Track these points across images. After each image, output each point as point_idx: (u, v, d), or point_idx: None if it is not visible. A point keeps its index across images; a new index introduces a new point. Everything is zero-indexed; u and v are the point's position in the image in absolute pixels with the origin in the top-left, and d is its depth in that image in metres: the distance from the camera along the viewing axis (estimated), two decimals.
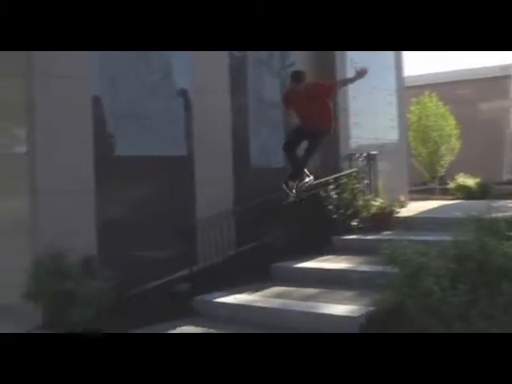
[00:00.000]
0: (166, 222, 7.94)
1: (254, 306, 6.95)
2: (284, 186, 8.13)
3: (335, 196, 9.36)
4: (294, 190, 8.19)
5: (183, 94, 8.45)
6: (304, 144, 8.29)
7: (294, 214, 8.63)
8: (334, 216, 9.22)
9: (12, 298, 6.84)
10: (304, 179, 8.37)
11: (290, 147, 8.34)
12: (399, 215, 9.81)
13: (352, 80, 8.63)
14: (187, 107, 8.53)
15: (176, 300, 7.35)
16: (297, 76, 8.07)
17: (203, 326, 6.69)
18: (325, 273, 7.72)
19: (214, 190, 8.48)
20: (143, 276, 7.56)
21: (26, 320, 6.87)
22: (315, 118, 8.06)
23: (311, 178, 8.51)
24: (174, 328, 6.71)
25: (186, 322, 6.91)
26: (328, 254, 8.53)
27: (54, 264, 6.76)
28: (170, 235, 7.75)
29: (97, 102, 7.55)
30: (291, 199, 8.20)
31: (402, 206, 10.59)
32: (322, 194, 9.26)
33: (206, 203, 8.32)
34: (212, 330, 6.49)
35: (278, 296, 7.25)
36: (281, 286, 7.62)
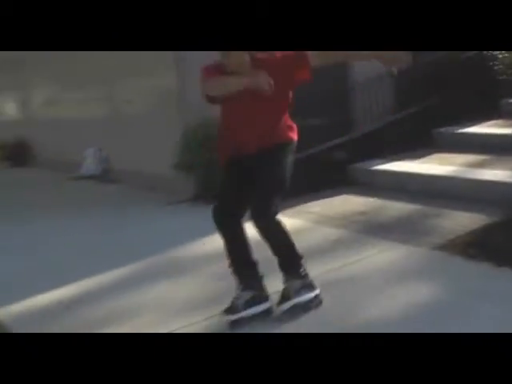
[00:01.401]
0: (317, 85, 7.47)
1: (414, 173, 6.60)
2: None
3: (502, 55, 8.47)
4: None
5: None
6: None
7: (457, 75, 7.90)
8: (502, 77, 8.39)
9: (165, 169, 6.80)
10: (306, 282, 3.89)
11: (229, 215, 3.84)
12: None
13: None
14: None
15: (332, 168, 7.02)
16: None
17: (362, 195, 6.46)
18: (492, 138, 7.18)
19: None
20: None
21: (178, 191, 6.85)
22: (263, 125, 3.90)
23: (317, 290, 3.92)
24: (331, 196, 6.54)
25: (342, 190, 6.70)
26: (495, 118, 7.87)
27: (204, 133, 6.59)
28: (322, 100, 7.32)
29: None
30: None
31: None
32: (487, 52, 8.40)
33: (362, 65, 7.70)
34: (375, 199, 6.25)
35: (441, 163, 6.81)
36: (444, 152, 7.15)
